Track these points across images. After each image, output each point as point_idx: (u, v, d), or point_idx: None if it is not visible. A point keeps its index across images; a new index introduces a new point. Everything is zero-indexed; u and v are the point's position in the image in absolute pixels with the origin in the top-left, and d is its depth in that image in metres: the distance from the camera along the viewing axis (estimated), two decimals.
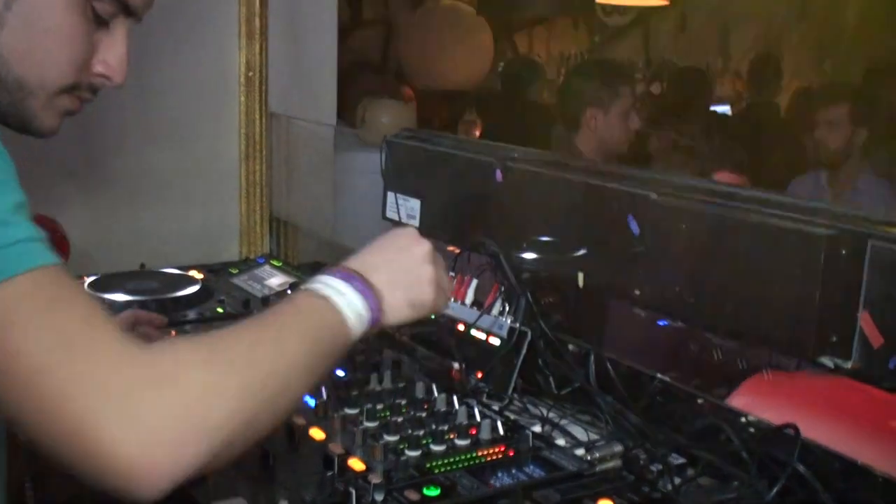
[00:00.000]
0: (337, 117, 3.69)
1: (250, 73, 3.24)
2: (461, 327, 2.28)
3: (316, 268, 3.37)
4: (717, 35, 10.74)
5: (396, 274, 1.52)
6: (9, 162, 1.20)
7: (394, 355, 2.20)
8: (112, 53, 1.40)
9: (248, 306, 2.57)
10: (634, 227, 1.92)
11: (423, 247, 1.58)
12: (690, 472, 1.76)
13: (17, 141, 1.34)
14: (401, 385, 1.98)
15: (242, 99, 3.27)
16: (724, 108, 8.34)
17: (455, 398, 1.91)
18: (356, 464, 1.63)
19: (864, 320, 1.53)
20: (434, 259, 1.58)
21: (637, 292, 1.91)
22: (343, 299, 1.40)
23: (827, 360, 1.58)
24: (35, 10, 1.30)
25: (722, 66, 9.92)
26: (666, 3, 8.99)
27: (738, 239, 1.69)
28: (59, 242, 2.87)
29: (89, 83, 1.40)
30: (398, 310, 1.51)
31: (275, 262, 2.95)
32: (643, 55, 10.41)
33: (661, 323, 2.29)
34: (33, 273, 1.12)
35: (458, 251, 2.40)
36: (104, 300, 2.49)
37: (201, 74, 3.23)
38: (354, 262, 1.51)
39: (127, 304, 2.48)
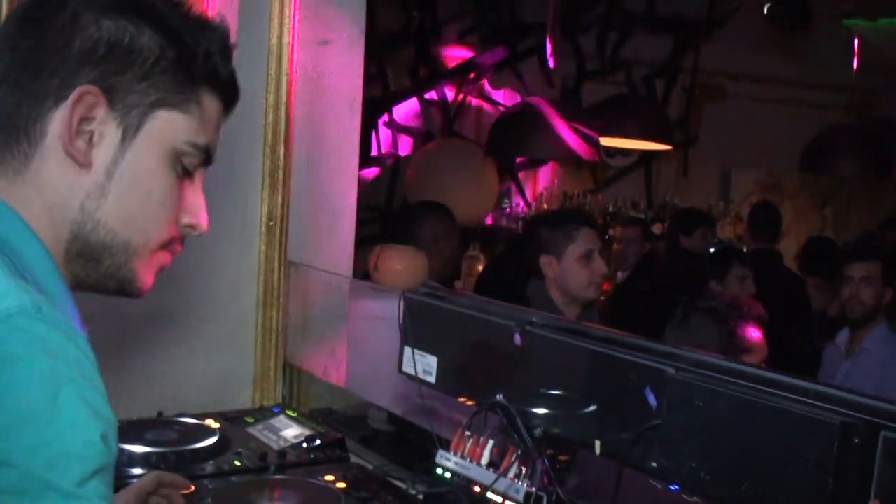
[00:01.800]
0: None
1: (271, 223, 3.33)
2: (477, 489, 2.31)
3: (329, 414, 3.43)
4: (718, 178, 10.93)
5: None
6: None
7: None
8: (197, 203, 1.53)
9: (265, 459, 2.60)
10: (652, 400, 1.98)
11: None
12: None
13: None
14: None
15: (262, 247, 3.35)
16: None
17: None
18: None
19: None
20: None
21: (654, 464, 1.95)
22: None
23: None
24: (135, 176, 1.42)
25: (723, 209, 10.06)
26: (669, 148, 9.17)
27: (754, 420, 1.73)
28: None
29: (179, 236, 1.52)
30: None
31: (290, 413, 2.98)
32: (645, 196, 10.55)
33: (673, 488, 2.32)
34: None
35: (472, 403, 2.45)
36: (124, 451, 2.53)
37: (223, 222, 3.29)
38: None
39: (146, 457, 2.52)
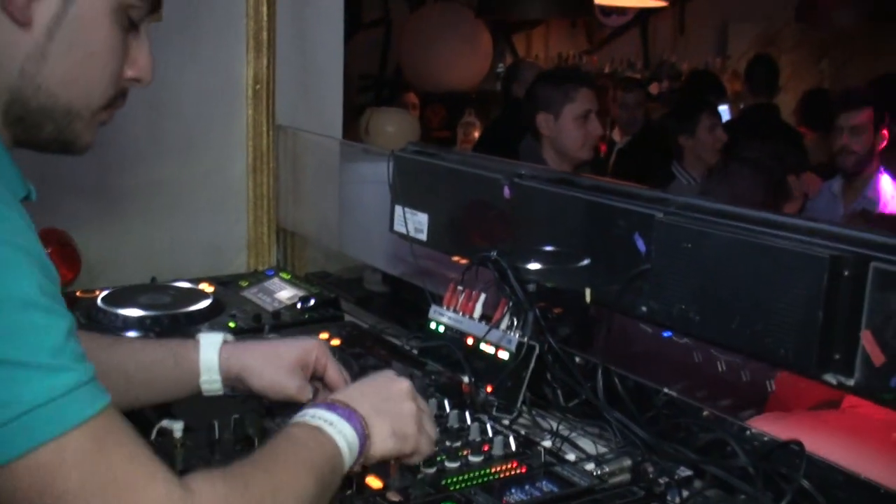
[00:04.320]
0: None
1: (258, 87, 3.28)
2: (470, 341, 2.32)
3: (324, 277, 3.43)
4: (715, 35, 10.78)
5: (380, 405, 1.57)
6: (54, 275, 1.22)
7: (404, 370, 2.23)
8: (142, 55, 1.40)
9: (259, 320, 2.61)
10: (641, 245, 1.96)
11: (403, 384, 1.64)
12: (698, 484, 1.81)
13: (28, 157, 1.35)
14: None
15: (250, 112, 3.31)
16: (722, 108, 8.33)
17: (467, 414, 1.95)
18: (373, 482, 1.66)
19: (866, 339, 1.57)
20: (415, 397, 1.64)
21: (644, 308, 1.94)
22: (334, 429, 1.47)
23: (830, 378, 1.62)
24: (79, 35, 1.30)
25: (720, 66, 9.94)
26: (664, 3, 9.03)
27: (743, 259, 1.72)
28: (72, 257, 2.91)
29: (122, 90, 1.41)
30: (382, 440, 1.55)
31: (284, 275, 2.98)
32: (642, 56, 10.43)
33: (665, 334, 2.33)
34: (86, 424, 1.16)
35: (466, 262, 2.45)
36: (118, 315, 2.54)
37: (210, 88, 3.27)
38: (340, 395, 1.59)
39: (140, 320, 2.53)
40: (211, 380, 1.84)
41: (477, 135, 7.83)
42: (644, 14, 10.22)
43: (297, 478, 1.36)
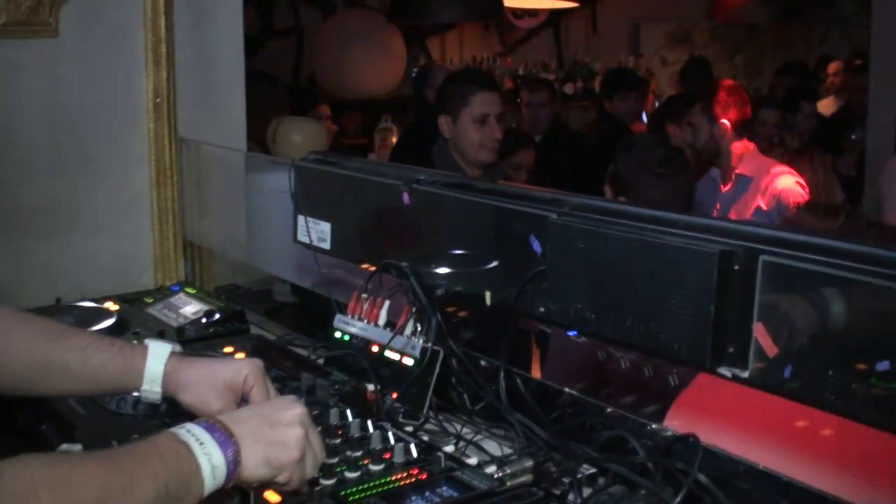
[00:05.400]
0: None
1: (158, 100, 3.24)
2: (375, 349, 2.31)
3: (233, 290, 3.40)
4: (627, 35, 10.87)
5: (261, 430, 1.54)
6: None
7: (309, 380, 2.22)
8: None
9: (163, 337, 2.57)
10: (537, 247, 1.97)
11: (296, 410, 1.61)
12: (600, 482, 1.82)
13: None
14: (315, 412, 1.99)
15: (151, 125, 3.27)
16: None
17: (370, 422, 1.94)
18: (271, 496, 1.65)
19: (759, 331, 1.59)
20: (306, 422, 1.60)
21: (542, 309, 1.95)
22: (202, 449, 1.45)
23: (725, 370, 1.63)
24: None
25: (634, 64, 10.01)
26: (575, 4, 9.09)
27: (635, 256, 1.73)
28: None
29: None
30: (254, 467, 1.52)
31: (189, 290, 2.95)
32: (556, 57, 10.48)
33: (571, 333, 2.33)
34: None
35: (371, 269, 2.44)
36: None
37: (109, 102, 3.23)
38: (225, 416, 1.56)
39: None
40: (151, 390, 1.85)
41: (395, 140, 7.80)
42: (556, 15, 10.27)
43: (134, 486, 1.32)
